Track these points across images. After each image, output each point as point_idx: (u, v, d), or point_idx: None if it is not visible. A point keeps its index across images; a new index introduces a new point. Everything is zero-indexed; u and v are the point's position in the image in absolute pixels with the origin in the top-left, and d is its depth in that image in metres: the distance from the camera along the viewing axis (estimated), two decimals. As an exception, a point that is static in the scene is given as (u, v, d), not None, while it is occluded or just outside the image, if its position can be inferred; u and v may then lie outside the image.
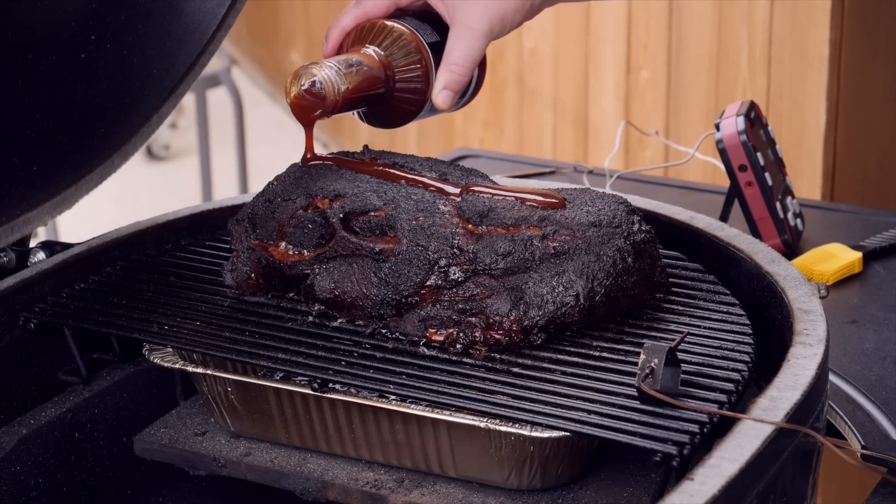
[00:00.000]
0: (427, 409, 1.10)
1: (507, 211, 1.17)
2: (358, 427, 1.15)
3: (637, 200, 1.33)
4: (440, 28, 1.25)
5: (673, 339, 1.10)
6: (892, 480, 1.13)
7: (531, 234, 1.15)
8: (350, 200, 1.21)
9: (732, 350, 1.12)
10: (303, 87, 1.19)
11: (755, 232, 1.60)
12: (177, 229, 1.39)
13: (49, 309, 1.25)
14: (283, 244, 1.22)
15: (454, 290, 1.15)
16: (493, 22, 1.22)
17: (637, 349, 1.10)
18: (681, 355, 1.07)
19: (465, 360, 1.13)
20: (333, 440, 1.18)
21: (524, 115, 3.26)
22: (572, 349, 1.13)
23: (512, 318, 1.13)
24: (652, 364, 1.03)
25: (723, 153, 1.59)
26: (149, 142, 3.61)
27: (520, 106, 3.26)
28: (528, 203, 1.18)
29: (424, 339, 1.15)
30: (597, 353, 1.12)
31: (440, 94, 1.23)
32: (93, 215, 3.92)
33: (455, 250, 1.16)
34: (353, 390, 1.13)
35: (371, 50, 1.23)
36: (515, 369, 1.11)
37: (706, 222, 1.31)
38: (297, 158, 1.27)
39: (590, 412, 1.04)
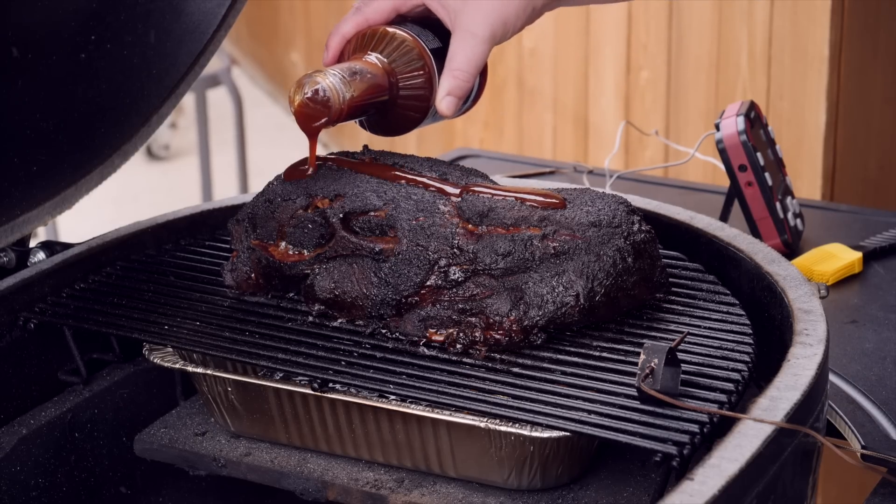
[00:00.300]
0: (427, 409, 1.10)
1: (507, 211, 1.17)
2: (358, 427, 1.15)
3: (637, 200, 1.33)
4: (441, 34, 1.24)
5: (673, 339, 1.10)
6: (892, 480, 1.13)
7: (531, 234, 1.15)
8: (350, 200, 1.21)
9: (732, 350, 1.12)
10: (307, 96, 1.18)
11: (755, 232, 1.60)
12: (177, 229, 1.39)
13: (49, 309, 1.25)
14: (283, 244, 1.22)
15: (454, 290, 1.15)
16: (496, 27, 1.21)
17: (637, 349, 1.10)
18: (681, 355, 1.07)
19: (465, 360, 1.13)
20: (333, 440, 1.18)
21: (524, 116, 3.26)
22: (572, 349, 1.13)
23: (512, 318, 1.13)
24: (652, 364, 1.03)
25: (723, 153, 1.59)
26: (149, 142, 3.62)
27: (520, 106, 3.26)
28: (528, 203, 1.18)
29: (424, 339, 1.15)
30: (597, 353, 1.12)
31: (444, 100, 1.22)
32: (93, 215, 3.92)
33: (455, 250, 1.16)
34: (353, 390, 1.13)
35: (374, 57, 1.22)
36: (515, 369, 1.11)
37: (706, 222, 1.31)
38: (297, 158, 1.27)
39: (590, 412, 1.04)
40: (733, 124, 1.59)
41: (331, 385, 1.13)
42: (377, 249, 1.18)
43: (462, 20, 1.21)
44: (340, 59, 1.25)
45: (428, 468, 1.15)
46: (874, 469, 1.13)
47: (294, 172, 1.25)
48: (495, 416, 1.07)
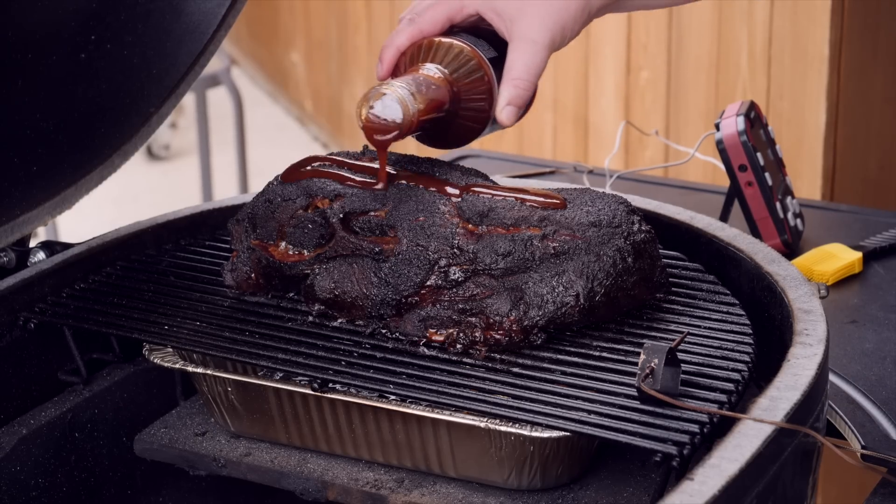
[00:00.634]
0: (427, 409, 1.10)
1: (507, 211, 1.17)
2: (358, 427, 1.15)
3: (637, 200, 1.33)
4: (495, 43, 1.22)
5: (673, 339, 1.10)
6: (892, 480, 1.13)
7: (531, 234, 1.15)
8: (350, 200, 1.21)
9: (732, 350, 1.12)
10: (376, 110, 1.16)
11: (755, 232, 1.60)
12: (177, 229, 1.39)
13: (49, 309, 1.25)
14: (283, 244, 1.22)
15: (454, 290, 1.15)
16: (555, 33, 1.19)
17: (637, 349, 1.10)
18: (681, 355, 1.07)
19: (465, 360, 1.13)
20: (333, 440, 1.18)
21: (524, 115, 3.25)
22: (572, 349, 1.13)
23: (512, 318, 1.13)
24: (652, 364, 1.03)
25: (723, 153, 1.59)
26: (149, 142, 3.62)
27: (520, 106, 3.26)
28: (528, 203, 1.18)
29: (424, 339, 1.15)
30: (597, 353, 1.12)
31: (504, 110, 1.20)
32: (93, 215, 3.92)
33: (455, 250, 1.16)
34: (353, 390, 1.13)
35: (434, 68, 1.20)
36: (515, 369, 1.11)
37: (706, 222, 1.31)
38: (297, 158, 1.27)
39: (590, 412, 1.04)
40: (733, 124, 1.59)
41: (331, 385, 1.13)
42: (377, 249, 1.18)
43: (520, 28, 1.19)
44: (395, 71, 1.23)
45: (428, 468, 1.15)
46: (874, 469, 1.13)
47: (292, 174, 1.25)
48: (495, 416, 1.07)
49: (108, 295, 1.27)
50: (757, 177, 1.59)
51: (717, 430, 1.00)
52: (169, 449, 1.23)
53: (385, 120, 1.16)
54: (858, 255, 1.54)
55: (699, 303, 1.21)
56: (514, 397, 1.07)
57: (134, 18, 1.27)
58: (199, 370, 1.19)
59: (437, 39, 1.22)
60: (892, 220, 1.69)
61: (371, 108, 1.16)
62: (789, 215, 1.62)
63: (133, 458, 1.26)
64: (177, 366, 1.20)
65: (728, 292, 1.22)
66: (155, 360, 1.21)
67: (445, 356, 1.14)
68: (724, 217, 1.62)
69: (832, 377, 1.26)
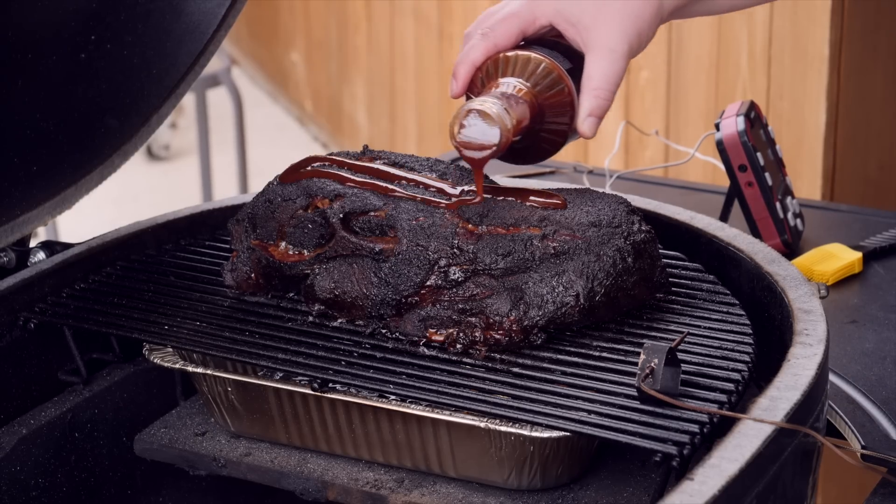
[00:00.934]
0: (427, 409, 1.10)
1: (507, 211, 1.17)
2: (358, 427, 1.16)
3: (637, 200, 1.33)
4: (569, 53, 1.20)
5: (673, 339, 1.10)
6: (892, 480, 1.13)
7: (531, 234, 1.15)
8: (350, 200, 1.21)
9: (732, 350, 1.12)
10: (474, 127, 1.13)
11: (755, 232, 1.60)
12: (177, 229, 1.39)
13: (49, 309, 1.25)
14: (283, 244, 1.22)
15: (454, 290, 1.15)
16: (632, 39, 1.17)
17: (637, 349, 1.10)
18: (681, 355, 1.07)
19: (465, 360, 1.13)
20: (333, 440, 1.18)
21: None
22: (572, 349, 1.13)
23: (512, 318, 1.13)
24: (652, 364, 1.03)
25: (723, 153, 1.59)
26: (149, 142, 3.62)
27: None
28: (528, 203, 1.18)
29: (424, 339, 1.15)
30: (597, 353, 1.12)
31: (586, 121, 1.18)
32: (93, 215, 3.92)
33: (455, 250, 1.15)
34: (353, 390, 1.13)
35: (517, 82, 1.17)
36: (515, 369, 1.11)
37: (706, 222, 1.31)
38: (297, 158, 1.27)
39: (590, 412, 1.04)
40: (733, 124, 1.59)
41: (331, 385, 1.13)
42: (377, 249, 1.18)
43: (596, 37, 1.17)
44: (471, 87, 1.20)
45: (428, 468, 1.15)
46: (874, 469, 1.13)
47: (292, 174, 1.25)
48: (495, 416, 1.07)
49: (108, 295, 1.27)
50: (757, 177, 1.59)
51: (717, 430, 1.00)
52: (169, 449, 1.23)
53: (482, 138, 1.14)
54: (858, 255, 1.54)
55: (699, 303, 1.21)
56: (514, 397, 1.07)
57: (134, 18, 1.27)
58: (199, 370, 1.19)
59: (513, 53, 1.19)
60: (892, 220, 1.69)
61: (464, 126, 1.14)
62: (789, 215, 1.62)
63: (133, 458, 1.26)
64: (177, 366, 1.20)
65: (728, 292, 1.22)
66: (155, 360, 1.21)
67: (445, 356, 1.14)
68: (724, 217, 1.62)
69: (832, 377, 1.26)
